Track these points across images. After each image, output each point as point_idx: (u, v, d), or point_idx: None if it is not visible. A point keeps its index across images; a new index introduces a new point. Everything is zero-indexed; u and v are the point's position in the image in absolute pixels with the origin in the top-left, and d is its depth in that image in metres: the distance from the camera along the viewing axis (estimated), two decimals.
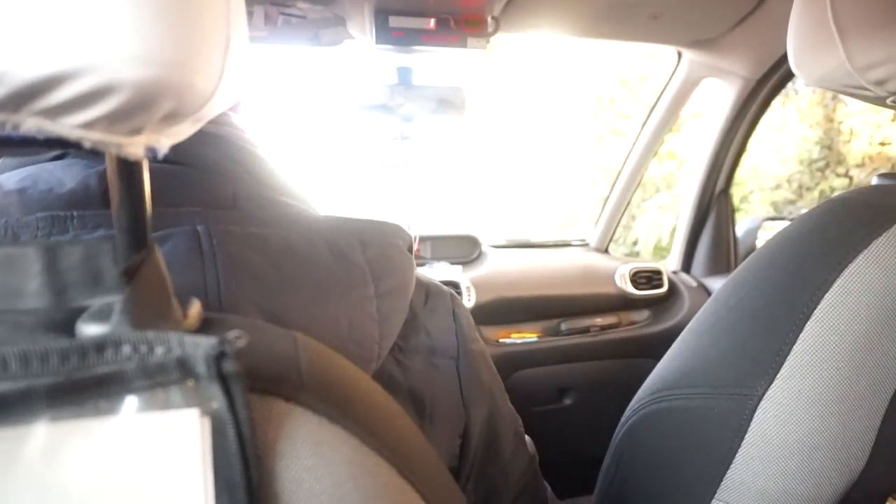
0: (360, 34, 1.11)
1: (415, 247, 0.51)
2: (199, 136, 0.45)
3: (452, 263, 1.56)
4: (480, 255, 1.65)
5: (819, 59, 0.55)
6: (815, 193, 3.42)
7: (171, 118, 0.27)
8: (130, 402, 0.24)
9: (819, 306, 0.47)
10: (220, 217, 0.40)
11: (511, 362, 1.44)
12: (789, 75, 1.39)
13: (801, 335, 0.47)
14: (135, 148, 0.27)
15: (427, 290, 0.51)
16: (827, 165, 3.27)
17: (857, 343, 0.46)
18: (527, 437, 0.63)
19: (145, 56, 0.23)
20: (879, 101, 0.57)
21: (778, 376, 0.48)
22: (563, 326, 1.52)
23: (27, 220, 0.38)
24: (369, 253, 0.43)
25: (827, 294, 0.47)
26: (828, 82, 0.56)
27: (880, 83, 0.52)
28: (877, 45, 0.50)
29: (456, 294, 0.54)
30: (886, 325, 0.46)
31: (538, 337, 1.50)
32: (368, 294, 0.42)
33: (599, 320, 1.55)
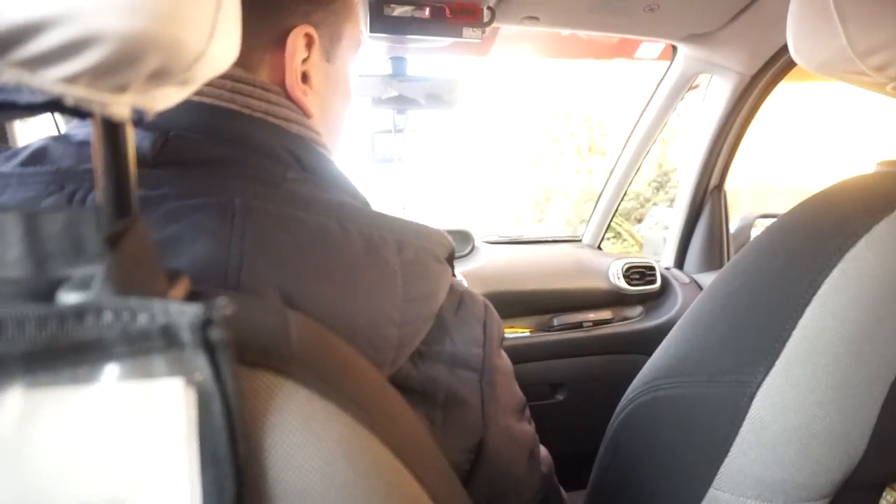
0: None
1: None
2: (257, 123, 0.45)
3: None
4: (473, 249, 1.64)
5: (819, 44, 0.54)
6: (651, 204, 4.52)
7: (159, 77, 0.26)
8: (111, 370, 0.22)
9: (819, 292, 0.46)
10: (263, 193, 0.39)
11: None
12: (784, 71, 1.39)
13: (800, 321, 0.46)
14: (119, 107, 0.25)
15: (461, 298, 0.49)
16: (661, 185, 4.42)
17: (857, 330, 0.45)
18: (543, 450, 0.62)
19: (130, 6, 0.22)
20: (879, 88, 0.56)
21: (776, 363, 0.47)
22: (556, 321, 1.51)
23: (77, 170, 0.39)
24: (405, 255, 0.42)
25: (827, 279, 0.46)
26: (828, 68, 0.56)
27: (881, 69, 0.51)
28: (878, 28, 0.50)
29: (490, 305, 0.52)
30: (887, 311, 0.46)
31: (530, 332, 1.49)
32: (395, 296, 0.40)
33: (592, 315, 1.55)
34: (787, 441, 0.47)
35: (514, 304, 1.50)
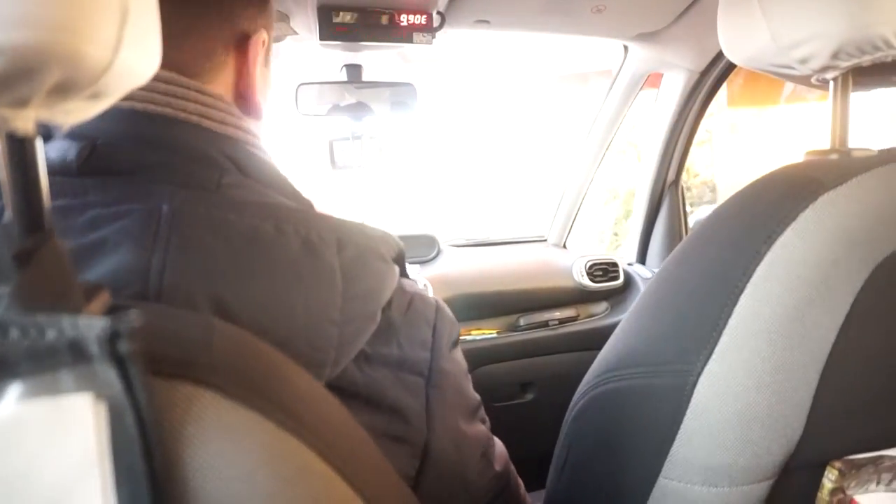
0: (305, 31, 1.09)
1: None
2: (191, 128, 0.45)
3: (410, 263, 1.55)
4: (438, 253, 1.65)
5: (747, 39, 0.56)
6: None
7: (63, 91, 0.26)
8: (15, 388, 0.22)
9: (752, 279, 0.47)
10: (194, 198, 0.39)
11: (471, 359, 1.42)
12: (731, 67, 1.43)
13: (735, 308, 0.47)
14: (23, 122, 0.25)
15: (411, 300, 0.49)
16: None
17: (789, 314, 0.47)
18: (499, 445, 0.62)
19: (22, 17, 0.22)
20: (805, 81, 0.58)
21: (715, 350, 0.48)
22: (522, 321, 1.52)
23: None
24: (345, 253, 0.42)
25: (759, 267, 0.47)
26: (757, 62, 0.58)
27: (804, 61, 0.53)
28: (800, 23, 0.52)
29: (444, 306, 0.52)
30: (817, 295, 0.47)
31: (497, 333, 1.50)
32: (334, 294, 0.40)
33: (558, 314, 1.56)
34: (728, 426, 0.48)
35: (480, 306, 1.51)
